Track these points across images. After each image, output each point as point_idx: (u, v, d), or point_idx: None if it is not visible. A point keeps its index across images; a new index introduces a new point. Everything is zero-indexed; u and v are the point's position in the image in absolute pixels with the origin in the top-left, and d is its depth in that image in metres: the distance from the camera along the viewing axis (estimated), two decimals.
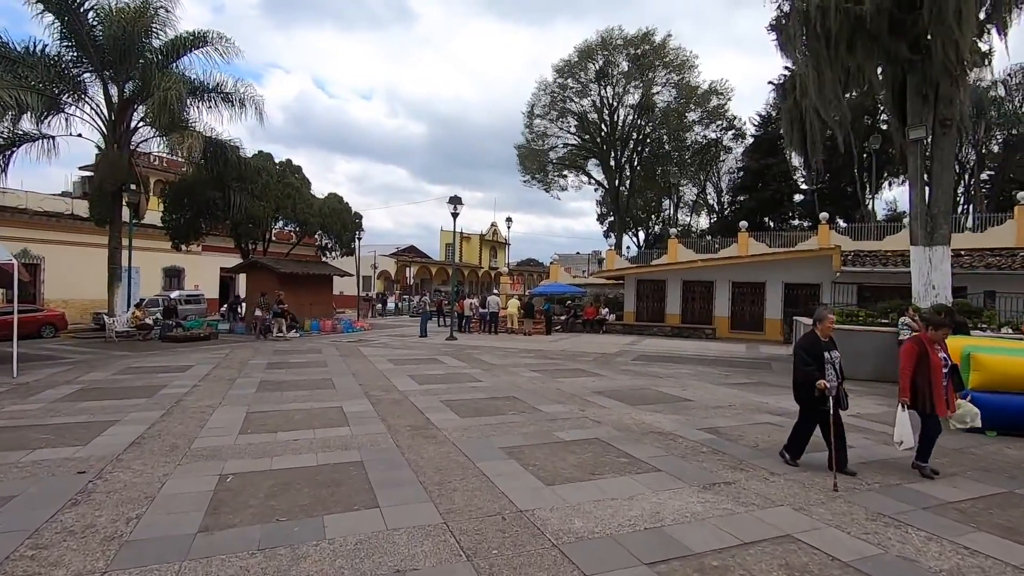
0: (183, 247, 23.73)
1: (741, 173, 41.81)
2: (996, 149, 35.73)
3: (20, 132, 16.77)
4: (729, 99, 42.11)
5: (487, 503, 4.45)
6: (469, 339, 20.34)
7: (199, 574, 3.29)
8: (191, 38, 18.21)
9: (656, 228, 50.52)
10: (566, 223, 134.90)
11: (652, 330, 23.81)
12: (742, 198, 40.87)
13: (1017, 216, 20.77)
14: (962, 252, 18.59)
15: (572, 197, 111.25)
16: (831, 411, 5.12)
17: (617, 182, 43.96)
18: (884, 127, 31.39)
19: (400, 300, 41.45)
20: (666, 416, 7.81)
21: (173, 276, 29.86)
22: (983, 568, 3.53)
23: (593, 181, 47.34)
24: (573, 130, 44.93)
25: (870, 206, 34.36)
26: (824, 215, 26.20)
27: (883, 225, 26.63)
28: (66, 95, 17.43)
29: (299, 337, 19.54)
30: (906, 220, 27.33)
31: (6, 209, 22.45)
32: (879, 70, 13.81)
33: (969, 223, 27.03)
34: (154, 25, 17.61)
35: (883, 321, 12.61)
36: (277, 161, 25.86)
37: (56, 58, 17.06)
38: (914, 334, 5.84)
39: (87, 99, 17.82)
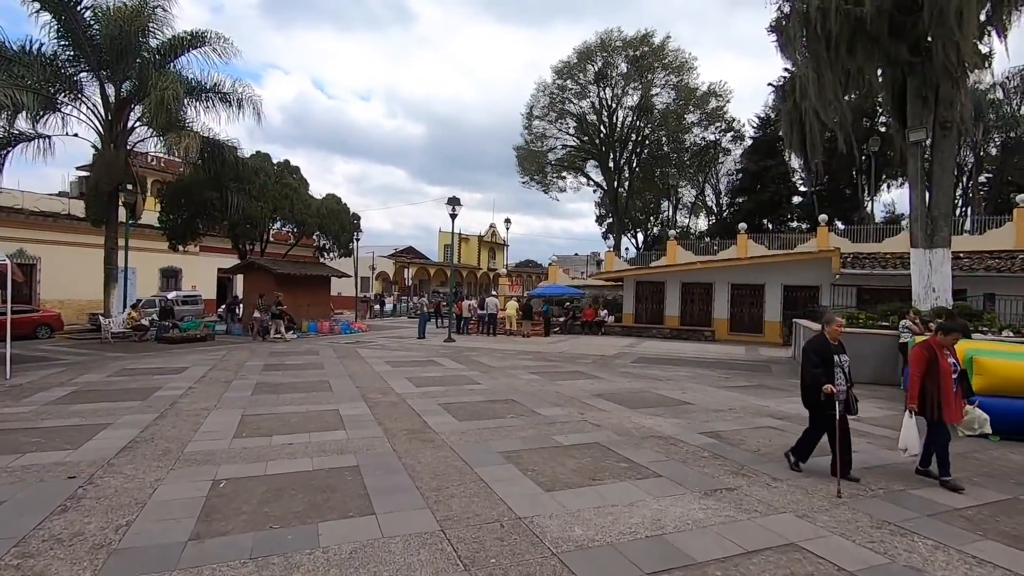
0: (180, 248, 23.61)
1: (740, 175, 41.80)
2: (994, 152, 35.80)
3: (15, 132, 16.63)
4: (728, 101, 42.23)
5: (485, 510, 4.36)
6: (467, 341, 20.25)
7: None
8: (189, 38, 18.11)
9: (655, 230, 50.53)
10: (565, 224, 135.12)
11: (651, 332, 23.73)
12: (741, 200, 40.87)
13: (1016, 219, 20.77)
14: (961, 255, 18.57)
15: (571, 198, 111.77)
16: (837, 416, 5.03)
17: (616, 183, 43.94)
18: (882, 129, 31.47)
19: (398, 301, 41.34)
20: (666, 420, 7.74)
21: (170, 277, 29.74)
22: None
23: (592, 182, 47.37)
24: (572, 131, 44.94)
25: (869, 208, 34.40)
26: (823, 217, 26.17)
27: (882, 227, 26.62)
28: (62, 94, 17.30)
29: (296, 338, 19.44)
30: (905, 222, 27.40)
31: (2, 209, 22.31)
32: (879, 72, 13.78)
33: (967, 226, 27.05)
34: (151, 24, 17.47)
35: (883, 324, 12.55)
36: (275, 161, 25.78)
37: (52, 57, 16.93)
38: (923, 339, 5.74)
39: (84, 98, 17.70)
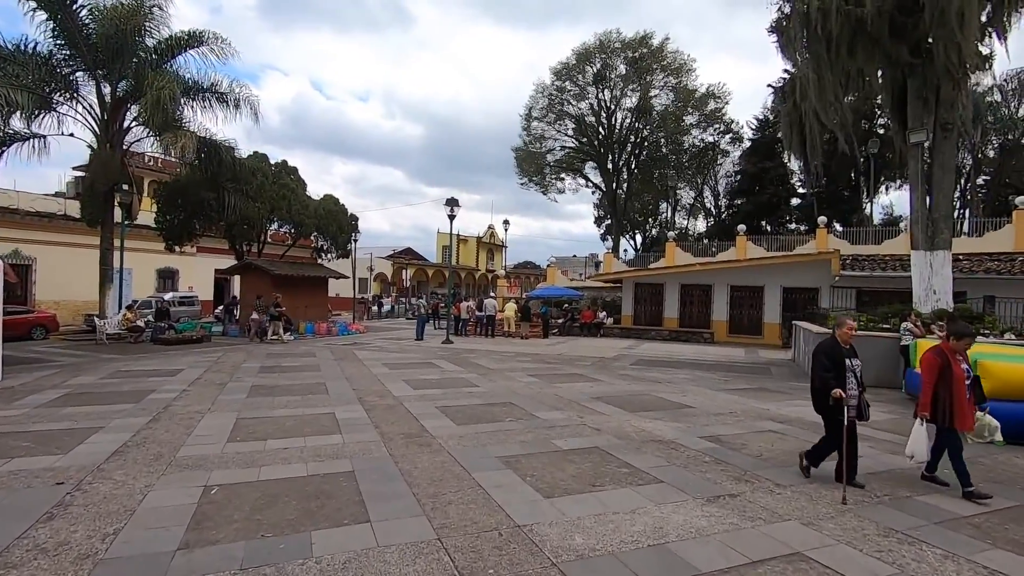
0: (177, 248, 23.46)
1: (738, 176, 41.77)
2: (992, 154, 35.83)
3: (11, 131, 16.54)
4: (727, 102, 42.21)
5: (483, 517, 4.26)
6: (465, 342, 20.14)
7: None
8: (186, 38, 18.04)
9: (653, 231, 50.50)
10: (563, 226, 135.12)
11: (650, 334, 23.64)
12: (739, 202, 40.83)
13: (1015, 221, 20.73)
14: (961, 257, 18.52)
15: (569, 200, 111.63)
16: (846, 421, 4.92)
17: (615, 185, 43.88)
18: (882, 131, 31.48)
19: (396, 302, 41.19)
20: (667, 423, 7.64)
21: (167, 277, 29.56)
22: None
23: (590, 184, 47.31)
24: (571, 133, 44.87)
25: (868, 210, 34.38)
26: (822, 219, 26.13)
27: (881, 229, 26.59)
28: (58, 94, 17.20)
29: (294, 340, 19.32)
30: (904, 224, 27.41)
31: None
32: (880, 73, 13.73)
33: (965, 228, 27.04)
34: (148, 24, 17.40)
35: (884, 326, 12.48)
36: (273, 162, 25.61)
37: (48, 56, 16.85)
38: (934, 344, 5.62)
39: (79, 98, 17.61)
